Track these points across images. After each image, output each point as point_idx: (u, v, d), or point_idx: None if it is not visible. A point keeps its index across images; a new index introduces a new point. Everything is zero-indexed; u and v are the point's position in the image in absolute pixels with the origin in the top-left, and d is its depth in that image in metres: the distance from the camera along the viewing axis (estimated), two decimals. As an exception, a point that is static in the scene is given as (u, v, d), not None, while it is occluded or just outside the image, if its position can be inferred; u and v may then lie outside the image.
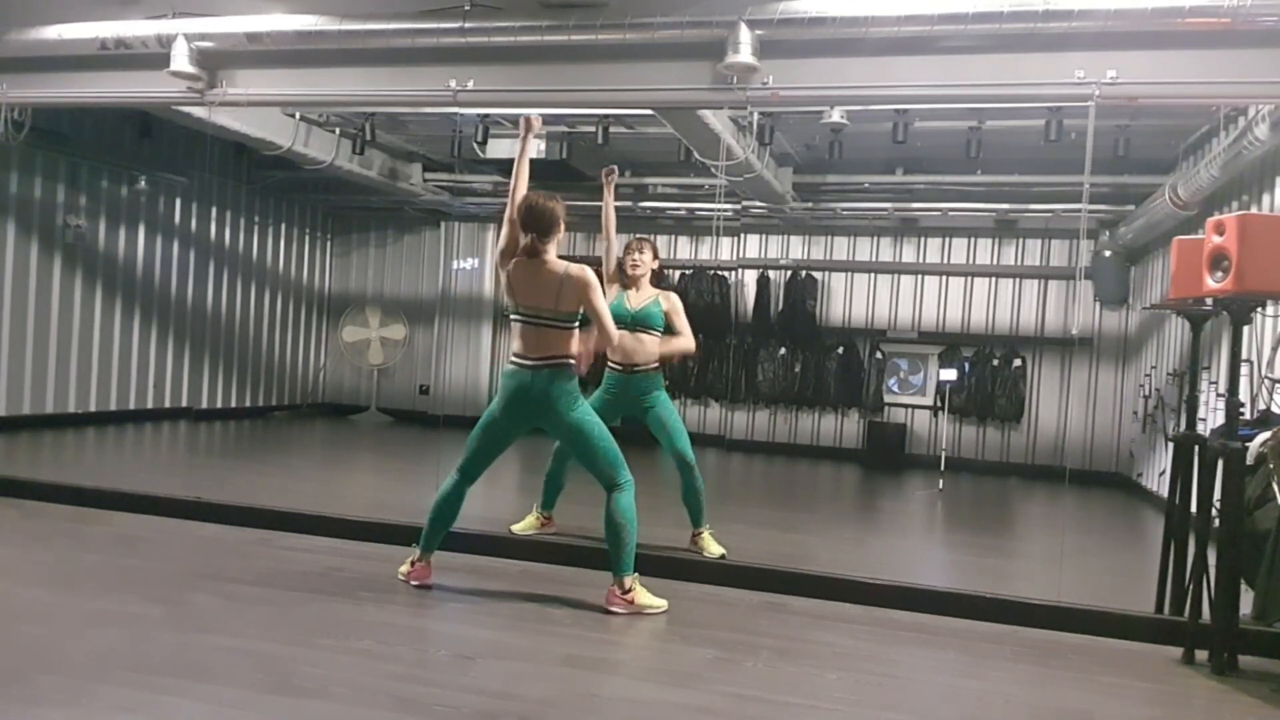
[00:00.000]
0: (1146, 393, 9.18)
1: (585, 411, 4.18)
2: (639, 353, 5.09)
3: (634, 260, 5.13)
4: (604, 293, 4.31)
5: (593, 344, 4.28)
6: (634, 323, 5.06)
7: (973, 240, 10.79)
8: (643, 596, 4.17)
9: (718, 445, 11.18)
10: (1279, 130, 5.42)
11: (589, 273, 4.10)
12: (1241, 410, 4.10)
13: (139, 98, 6.75)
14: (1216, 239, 3.80)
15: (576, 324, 4.16)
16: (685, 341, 5.14)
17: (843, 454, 10.93)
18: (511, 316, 4.21)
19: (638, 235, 5.39)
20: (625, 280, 5.15)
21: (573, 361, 4.16)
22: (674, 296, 5.20)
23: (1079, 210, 8.84)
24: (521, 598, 4.33)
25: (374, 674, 3.24)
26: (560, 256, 4.19)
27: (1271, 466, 3.97)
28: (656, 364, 5.15)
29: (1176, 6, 4.54)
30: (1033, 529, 7.61)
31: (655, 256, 5.21)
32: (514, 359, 4.17)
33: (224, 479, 7.12)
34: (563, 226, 4.18)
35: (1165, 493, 4.68)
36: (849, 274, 11.15)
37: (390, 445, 10.26)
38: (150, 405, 10.18)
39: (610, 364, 5.14)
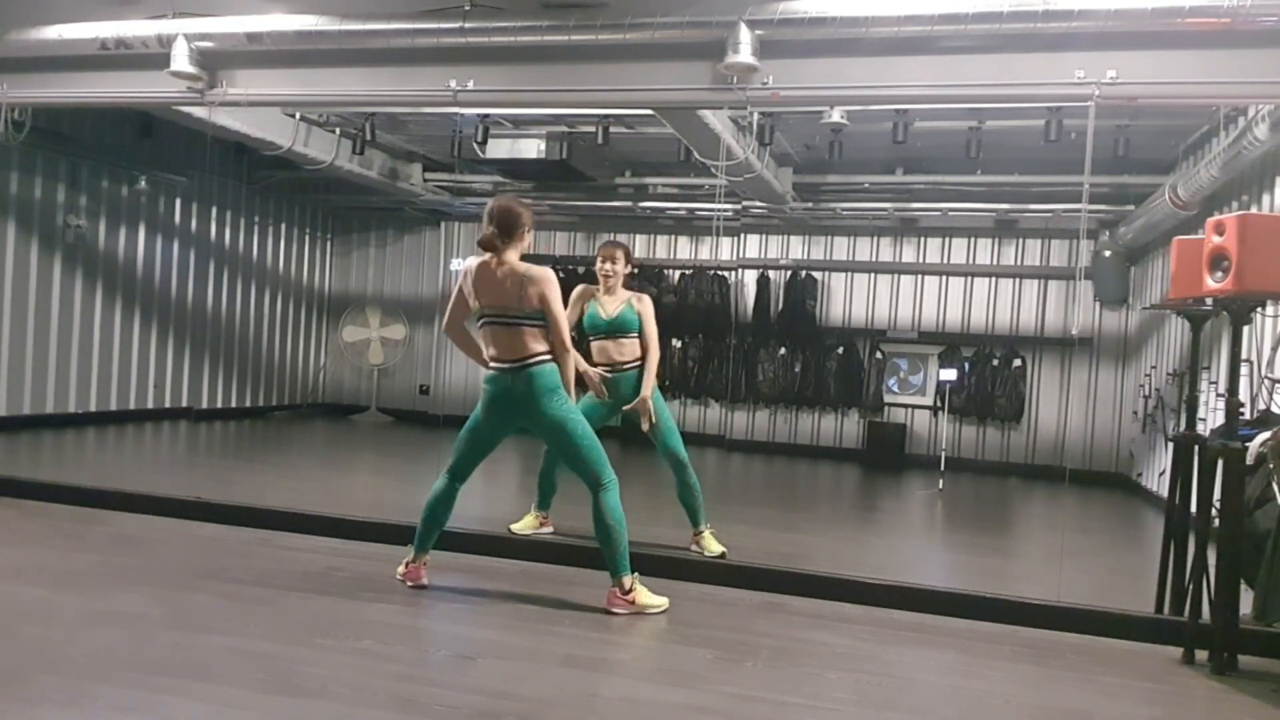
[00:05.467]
0: (1146, 393, 9.18)
1: (569, 410, 4.15)
2: (621, 354, 5.11)
3: (606, 269, 5.13)
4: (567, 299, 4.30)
5: (569, 372, 4.20)
6: (610, 330, 5.10)
7: (973, 240, 10.79)
8: (644, 596, 4.17)
9: (718, 445, 11.18)
10: (1279, 130, 5.42)
11: (548, 272, 4.09)
12: (1241, 410, 4.11)
13: (139, 98, 6.74)
14: (1216, 239, 3.80)
15: (544, 323, 4.10)
16: (654, 356, 5.09)
17: (843, 454, 10.92)
18: (479, 322, 4.18)
19: (610, 240, 5.39)
20: (600, 286, 5.15)
21: (551, 358, 4.13)
22: (647, 299, 5.17)
23: (1079, 210, 8.84)
24: (521, 598, 4.32)
25: (374, 674, 3.24)
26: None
27: (1271, 466, 3.97)
28: (642, 360, 5.14)
29: (1176, 6, 4.54)
30: (1033, 529, 7.61)
31: (628, 261, 5.21)
32: (493, 363, 4.16)
33: (224, 479, 7.12)
34: (526, 234, 4.18)
35: (1165, 493, 4.68)
36: (849, 274, 11.14)
37: (390, 445, 10.25)
38: (150, 405, 10.18)
39: (599, 365, 5.15)
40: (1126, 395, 10.14)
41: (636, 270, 5.55)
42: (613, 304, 5.13)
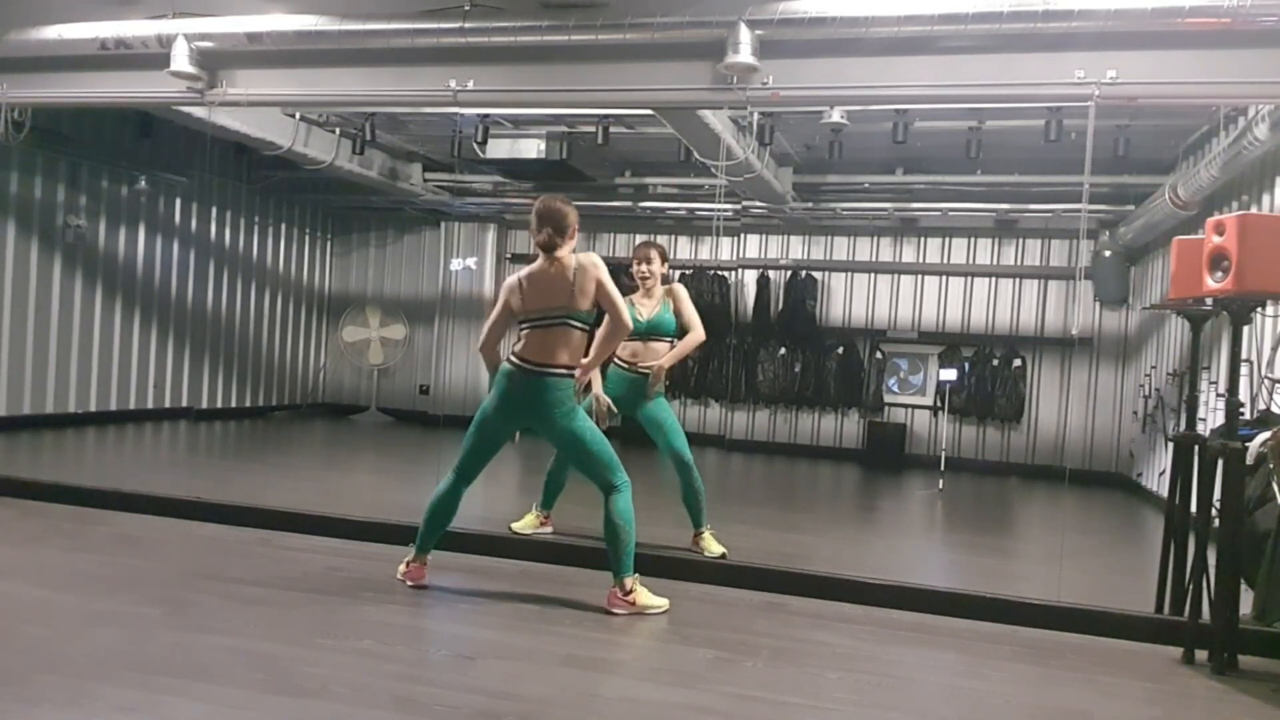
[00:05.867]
0: (1146, 393, 9.18)
1: (579, 417, 4.17)
2: (647, 356, 5.11)
3: (643, 271, 5.14)
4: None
5: (597, 349, 4.27)
6: (648, 331, 5.10)
7: (973, 240, 10.79)
8: (644, 597, 4.17)
9: (718, 445, 11.19)
10: (1279, 130, 5.42)
11: (597, 257, 4.12)
12: (1241, 410, 4.11)
13: (139, 98, 6.74)
14: (1216, 239, 3.80)
15: (588, 326, 4.15)
16: (695, 336, 5.11)
17: (843, 454, 10.93)
18: (521, 326, 4.18)
19: (644, 240, 5.39)
20: (635, 288, 5.16)
21: (574, 372, 4.15)
22: (677, 287, 5.20)
23: (1079, 210, 8.84)
24: (521, 598, 4.32)
25: (374, 674, 3.24)
26: None
27: (1271, 466, 3.97)
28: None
29: (1176, 6, 4.54)
30: (1033, 529, 7.61)
31: (664, 260, 5.21)
32: (513, 358, 4.15)
33: (224, 479, 7.13)
34: (575, 230, 4.19)
35: (1165, 493, 4.68)
36: (849, 274, 11.15)
37: (390, 445, 10.26)
38: (150, 405, 10.18)
39: (617, 360, 5.14)
40: (1126, 395, 10.14)
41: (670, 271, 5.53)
42: (650, 305, 5.13)
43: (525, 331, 4.16)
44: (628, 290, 5.19)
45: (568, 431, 4.14)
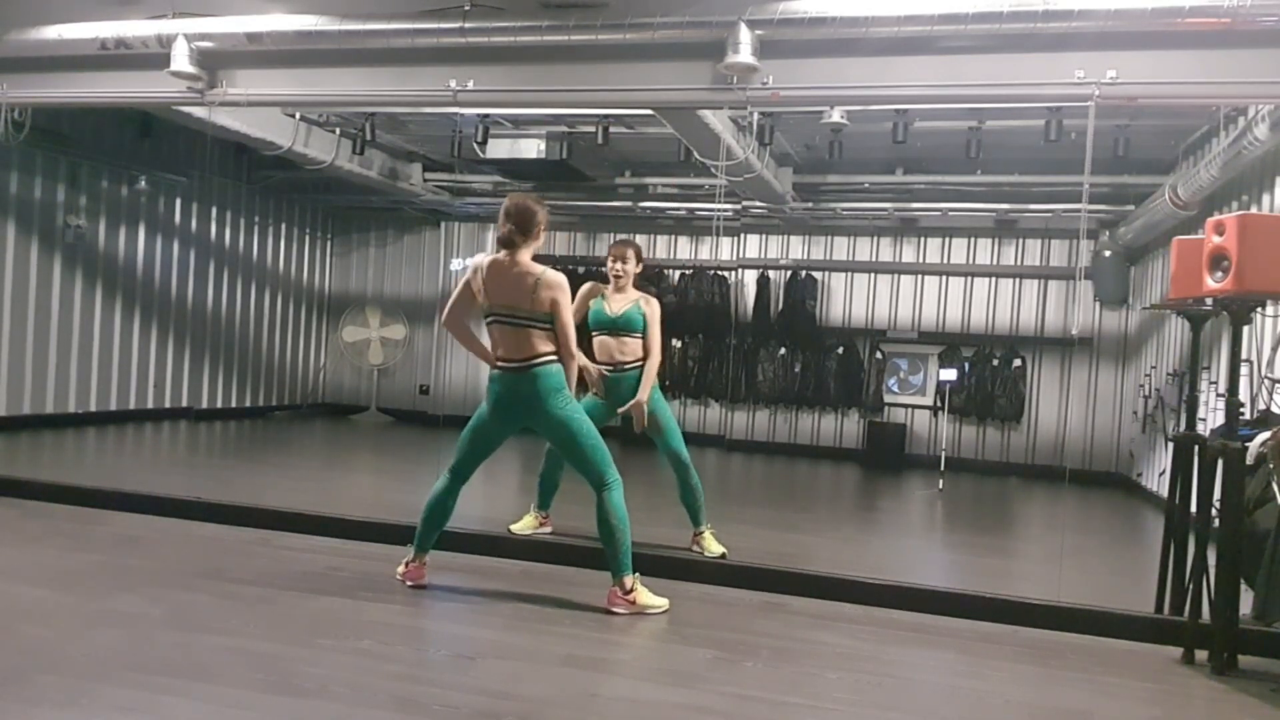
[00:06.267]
0: (1146, 393, 9.18)
1: (574, 410, 4.17)
2: (623, 353, 5.11)
3: (617, 269, 5.14)
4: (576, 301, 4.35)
5: (572, 374, 4.25)
6: (615, 328, 5.10)
7: (973, 240, 10.79)
8: (644, 596, 4.17)
9: (718, 445, 11.19)
10: (1279, 130, 5.43)
11: (562, 278, 4.12)
12: (1241, 410, 4.11)
13: (139, 98, 6.75)
14: (1216, 239, 3.80)
15: (553, 326, 4.14)
16: (653, 362, 5.09)
17: (843, 454, 10.93)
18: (486, 319, 4.19)
19: (620, 239, 5.40)
20: (610, 284, 5.17)
21: (557, 359, 4.15)
22: (655, 303, 5.19)
23: (1079, 210, 8.84)
24: (521, 598, 4.32)
25: (374, 674, 3.24)
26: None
27: (1271, 466, 3.97)
28: (644, 361, 5.13)
29: (1176, 6, 4.54)
30: (1033, 529, 7.61)
31: (639, 260, 5.22)
32: (500, 363, 4.17)
33: (224, 479, 7.13)
34: (541, 232, 4.20)
35: (1165, 493, 4.68)
36: (849, 274, 11.15)
37: (390, 445, 10.26)
38: (150, 405, 10.18)
39: (600, 363, 5.15)
40: (1126, 395, 10.14)
41: (654, 271, 5.56)
42: (620, 302, 5.13)
43: (494, 329, 4.16)
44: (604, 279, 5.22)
45: (563, 424, 4.13)
